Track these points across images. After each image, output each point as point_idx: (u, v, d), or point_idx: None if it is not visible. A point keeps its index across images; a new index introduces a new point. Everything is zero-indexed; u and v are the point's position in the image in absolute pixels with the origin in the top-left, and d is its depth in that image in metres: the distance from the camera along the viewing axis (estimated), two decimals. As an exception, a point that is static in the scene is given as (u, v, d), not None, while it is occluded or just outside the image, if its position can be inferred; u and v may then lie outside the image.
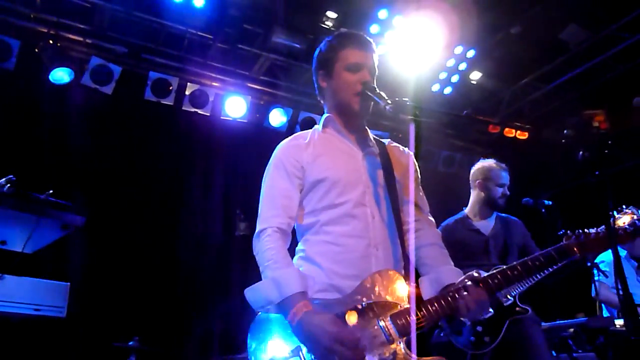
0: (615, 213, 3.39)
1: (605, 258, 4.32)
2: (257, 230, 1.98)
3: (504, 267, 2.07)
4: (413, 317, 1.83)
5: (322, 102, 2.25)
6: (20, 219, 2.88)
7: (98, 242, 5.00)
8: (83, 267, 4.62)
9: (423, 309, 1.88)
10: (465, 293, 1.90)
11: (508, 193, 3.65)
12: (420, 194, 2.19)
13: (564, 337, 4.02)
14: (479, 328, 3.17)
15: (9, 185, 2.76)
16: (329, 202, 2.00)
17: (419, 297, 1.95)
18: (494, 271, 2.04)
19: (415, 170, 2.20)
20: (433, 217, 2.22)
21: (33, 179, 3.29)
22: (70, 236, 3.30)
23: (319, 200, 2.02)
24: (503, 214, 3.75)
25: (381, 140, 2.24)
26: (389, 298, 1.87)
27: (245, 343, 1.85)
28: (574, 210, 4.41)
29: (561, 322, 4.07)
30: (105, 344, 4.37)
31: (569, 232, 2.18)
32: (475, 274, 1.98)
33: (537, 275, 3.28)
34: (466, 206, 3.80)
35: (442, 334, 3.26)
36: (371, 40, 2.16)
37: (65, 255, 4.19)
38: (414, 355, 1.79)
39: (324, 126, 2.19)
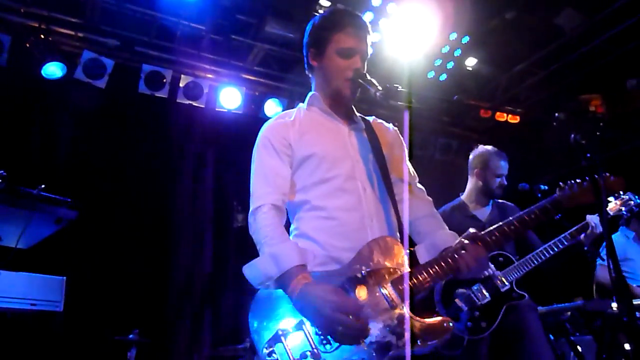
0: (612, 198, 3.40)
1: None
2: (251, 209, 1.96)
3: (501, 223, 2.06)
4: (406, 285, 1.83)
5: (310, 75, 2.24)
6: (13, 214, 2.88)
7: (93, 235, 5.00)
8: (79, 261, 4.62)
9: (424, 272, 1.88)
10: (464, 252, 1.91)
11: (505, 183, 3.64)
12: (409, 164, 2.20)
13: (561, 320, 4.03)
14: (476, 313, 3.18)
15: (0, 180, 2.74)
16: (319, 178, 2.00)
17: (418, 262, 1.95)
18: (491, 228, 2.03)
19: (401, 143, 2.21)
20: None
21: (26, 174, 3.28)
22: (65, 230, 3.30)
23: (308, 176, 2.01)
24: (500, 200, 3.75)
25: (366, 117, 2.24)
26: (388, 264, 1.86)
27: (247, 322, 1.81)
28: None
29: (558, 305, 4.08)
30: (103, 337, 4.38)
31: (560, 183, 2.17)
32: (472, 231, 1.98)
33: (537, 259, 3.29)
34: (463, 192, 3.79)
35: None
36: (366, 21, 2.13)
37: (60, 250, 4.18)
38: (417, 319, 1.78)
39: (309, 104, 2.19)
